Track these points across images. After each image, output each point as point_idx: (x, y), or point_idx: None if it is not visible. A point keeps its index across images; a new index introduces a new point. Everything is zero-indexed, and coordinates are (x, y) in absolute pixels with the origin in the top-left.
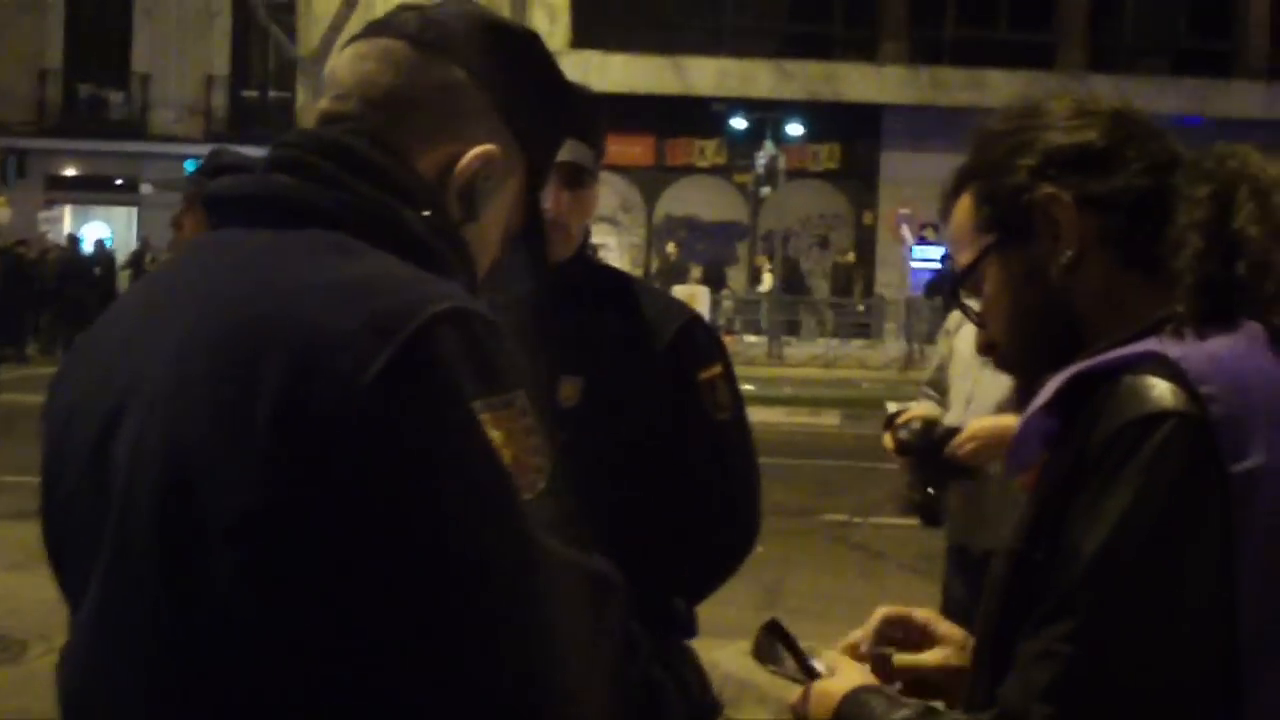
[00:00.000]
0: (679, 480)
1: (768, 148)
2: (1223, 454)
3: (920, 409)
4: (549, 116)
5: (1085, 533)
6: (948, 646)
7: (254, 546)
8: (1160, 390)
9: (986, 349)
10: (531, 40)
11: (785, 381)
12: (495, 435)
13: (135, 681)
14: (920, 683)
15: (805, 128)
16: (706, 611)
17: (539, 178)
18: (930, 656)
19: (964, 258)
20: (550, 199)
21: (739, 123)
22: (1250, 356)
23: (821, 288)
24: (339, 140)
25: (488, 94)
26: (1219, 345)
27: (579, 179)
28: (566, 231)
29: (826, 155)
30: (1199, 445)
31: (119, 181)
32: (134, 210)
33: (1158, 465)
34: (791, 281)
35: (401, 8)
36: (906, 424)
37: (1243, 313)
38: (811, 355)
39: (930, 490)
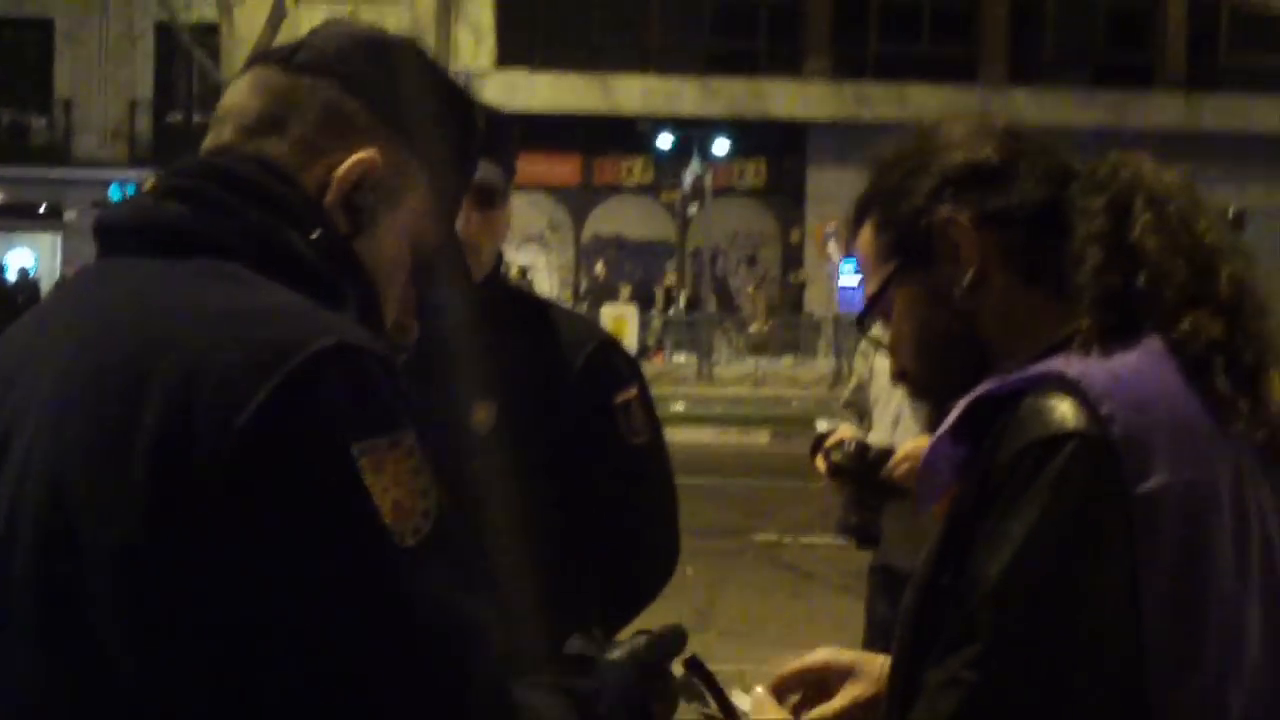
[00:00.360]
0: (594, 505)
1: (694, 166)
2: (1125, 474)
3: (848, 430)
4: (445, 126)
5: (989, 557)
6: (859, 683)
7: (130, 582)
8: (1062, 411)
9: (899, 377)
10: (414, 50)
11: (715, 400)
12: (376, 479)
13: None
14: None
15: (731, 145)
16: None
17: (447, 195)
18: (837, 701)
19: (870, 287)
20: (460, 219)
21: (665, 141)
22: (1152, 372)
23: (749, 305)
24: (226, 166)
25: (369, 107)
26: (1121, 362)
27: (489, 199)
28: (478, 253)
29: (753, 172)
30: (1101, 466)
31: (42, 208)
32: (58, 237)
33: (1060, 487)
34: (721, 300)
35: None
36: (839, 446)
37: (1145, 325)
38: (741, 373)
39: (867, 512)
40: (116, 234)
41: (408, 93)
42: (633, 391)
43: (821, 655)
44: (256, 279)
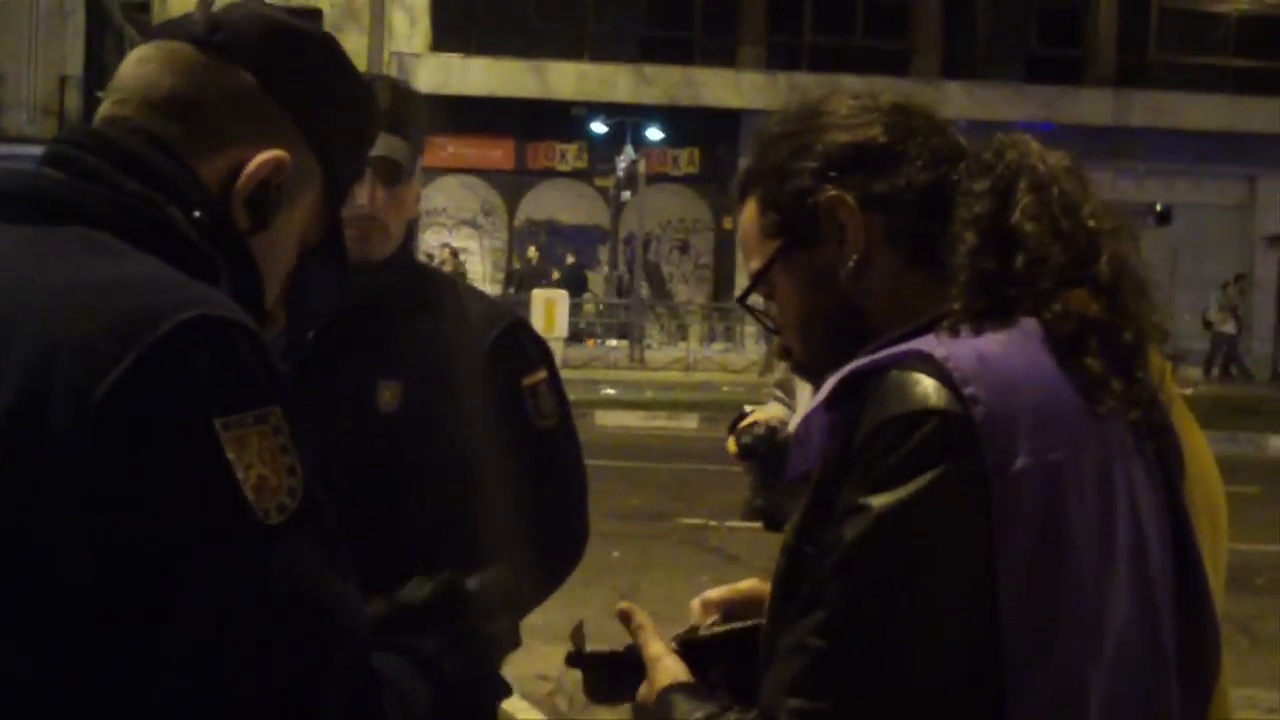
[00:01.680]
0: (501, 488)
1: (628, 152)
2: (985, 456)
3: (767, 411)
4: (347, 125)
5: (844, 526)
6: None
7: None
8: (924, 388)
9: (784, 355)
10: (328, 45)
11: (646, 385)
12: (239, 454)
13: None
14: (735, 614)
15: (665, 132)
16: (560, 617)
17: (338, 189)
18: (741, 586)
19: (753, 264)
20: (365, 195)
21: (599, 127)
22: (1022, 354)
23: (681, 291)
24: (111, 136)
25: (278, 99)
26: (990, 343)
27: (395, 175)
28: (385, 229)
29: (686, 160)
30: (961, 445)
31: None
32: None
33: (918, 462)
34: (653, 286)
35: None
36: (749, 428)
37: (1019, 308)
38: (672, 359)
39: (773, 495)
40: None
41: (318, 92)
42: (541, 374)
43: (748, 584)
44: (126, 250)
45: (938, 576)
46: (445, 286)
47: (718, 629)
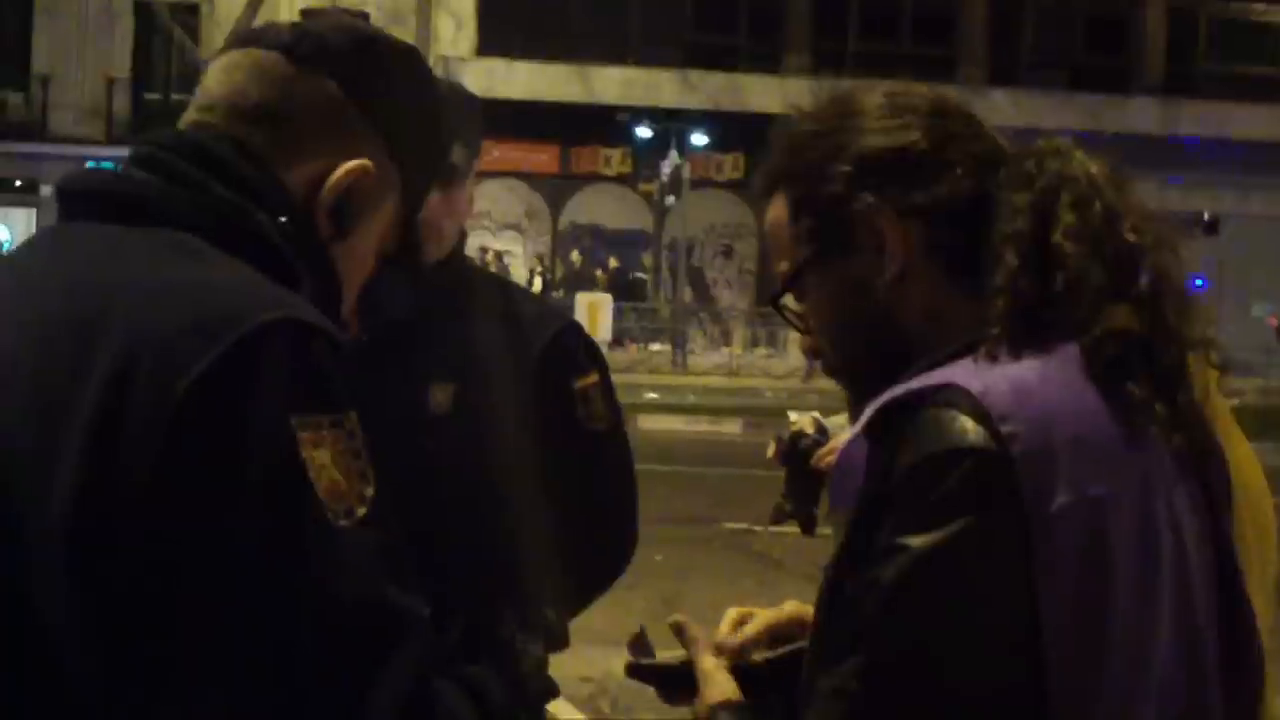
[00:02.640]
0: (552, 490)
1: (672, 157)
2: (1024, 493)
3: (807, 418)
4: (426, 135)
5: (882, 569)
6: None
7: (69, 547)
8: (962, 425)
9: (812, 354)
10: (411, 57)
11: (689, 390)
12: (314, 456)
13: None
14: (781, 637)
15: (710, 137)
16: (603, 620)
17: (415, 199)
18: (778, 612)
19: (783, 265)
20: None
21: (644, 132)
22: (1060, 383)
23: (724, 296)
24: (201, 142)
25: (363, 111)
26: (1027, 373)
27: (449, 177)
28: (439, 231)
29: (731, 165)
30: (1000, 483)
31: (18, 183)
32: (33, 212)
33: (957, 503)
34: (696, 291)
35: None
36: (797, 434)
37: (1058, 331)
38: (715, 364)
39: (798, 500)
40: (78, 199)
41: (400, 103)
42: (593, 378)
43: (791, 606)
44: (213, 253)
45: (978, 619)
46: (498, 289)
47: (769, 654)
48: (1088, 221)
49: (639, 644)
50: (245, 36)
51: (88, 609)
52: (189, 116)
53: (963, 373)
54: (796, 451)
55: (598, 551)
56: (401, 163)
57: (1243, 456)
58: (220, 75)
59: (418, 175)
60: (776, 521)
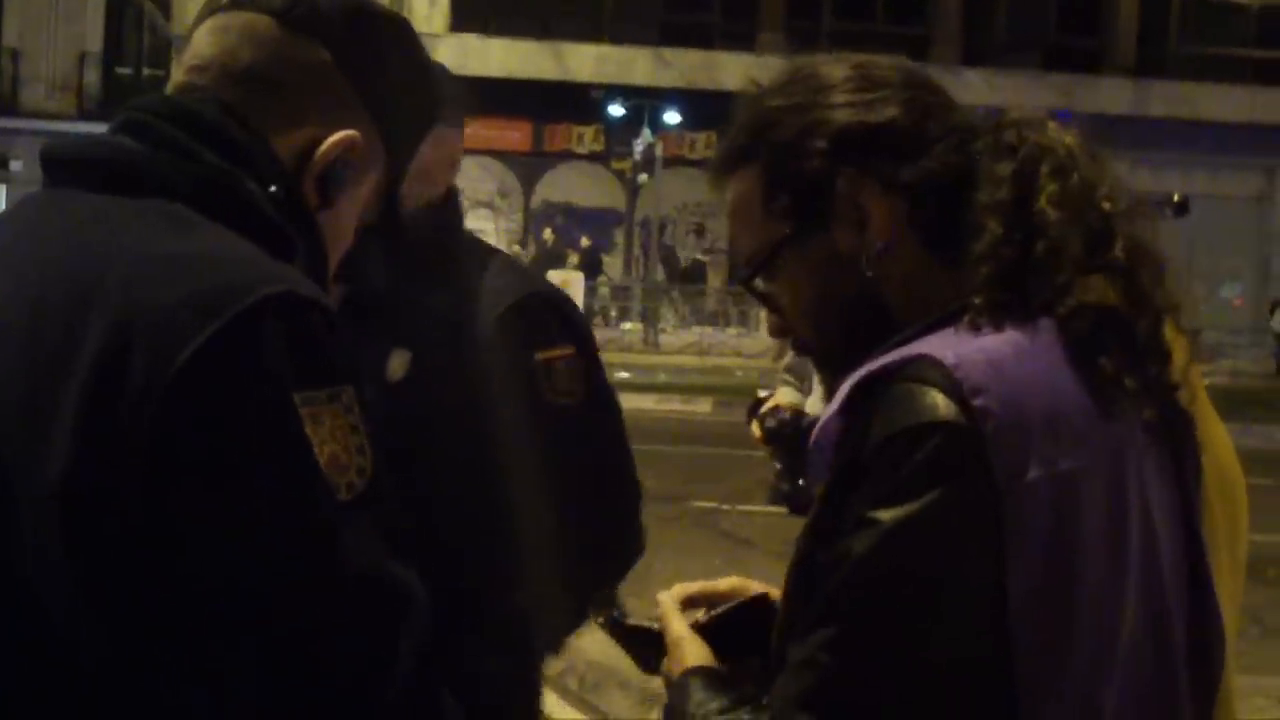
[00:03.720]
0: (515, 464)
1: (645, 135)
2: (995, 467)
3: (783, 396)
4: (414, 107)
5: (851, 542)
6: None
7: (62, 517)
8: (932, 399)
9: (781, 332)
10: (402, 28)
11: (660, 368)
12: (315, 430)
13: None
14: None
15: (683, 116)
16: None
17: (398, 171)
18: (722, 583)
19: (751, 242)
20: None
21: (617, 110)
22: (1033, 357)
23: (697, 275)
24: (190, 107)
25: (352, 80)
26: (1003, 345)
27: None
28: (428, 176)
29: (704, 143)
30: (970, 458)
31: None
32: (3, 188)
33: (927, 476)
34: (668, 269)
35: None
36: (773, 412)
37: (1037, 300)
38: (687, 342)
39: (799, 480)
40: (64, 165)
41: (390, 74)
42: (560, 350)
43: (729, 582)
44: (206, 223)
45: (947, 591)
46: (479, 257)
47: (720, 610)
48: (1069, 190)
49: (610, 604)
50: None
51: (82, 581)
52: (178, 77)
53: (937, 344)
54: (799, 429)
55: (581, 526)
56: (387, 134)
57: (1216, 436)
58: (211, 36)
59: (402, 147)
60: (774, 502)
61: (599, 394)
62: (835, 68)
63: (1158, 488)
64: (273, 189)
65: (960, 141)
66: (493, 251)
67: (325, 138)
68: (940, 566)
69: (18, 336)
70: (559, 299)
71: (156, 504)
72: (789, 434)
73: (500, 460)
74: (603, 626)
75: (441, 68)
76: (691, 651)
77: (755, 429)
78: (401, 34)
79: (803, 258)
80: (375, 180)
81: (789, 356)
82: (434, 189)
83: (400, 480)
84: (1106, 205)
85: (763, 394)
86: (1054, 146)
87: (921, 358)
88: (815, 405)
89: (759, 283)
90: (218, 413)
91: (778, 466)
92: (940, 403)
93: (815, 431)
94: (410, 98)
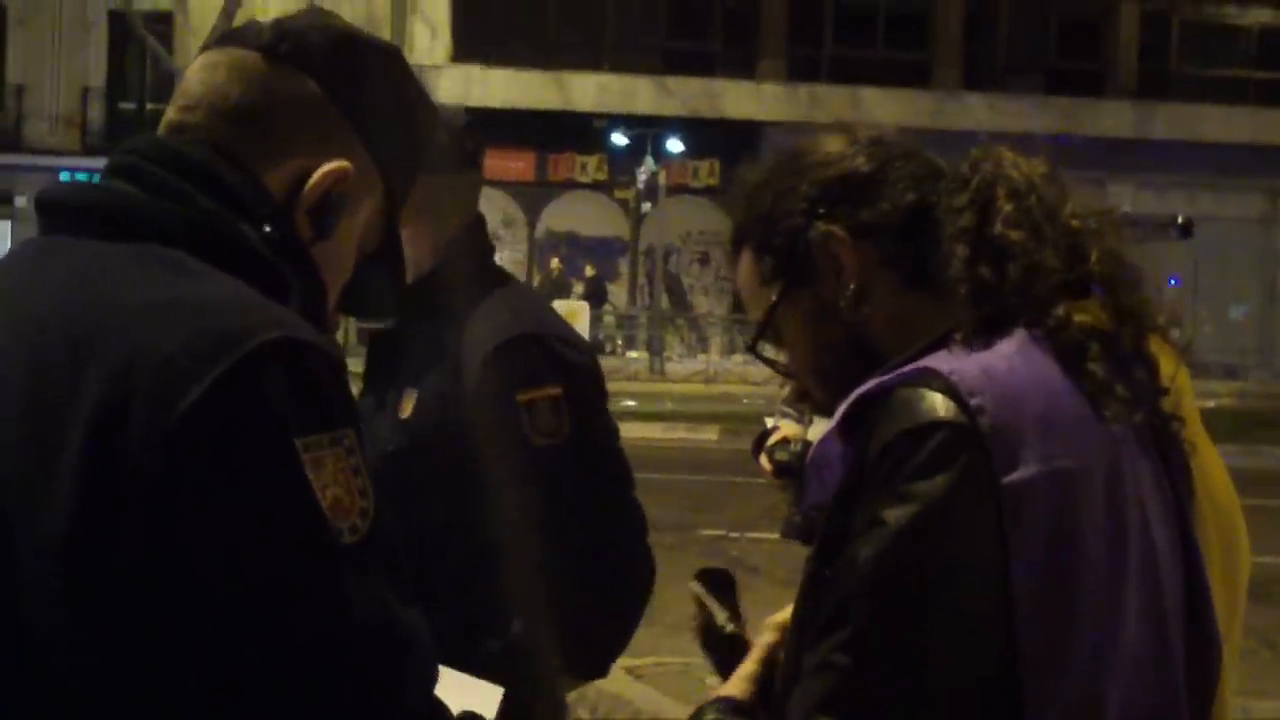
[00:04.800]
0: (500, 502)
1: (648, 164)
2: (995, 464)
3: (787, 429)
4: (408, 135)
5: (861, 543)
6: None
7: (63, 567)
8: (931, 401)
9: (801, 397)
10: (392, 55)
11: (666, 397)
12: (317, 475)
13: None
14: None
15: (685, 144)
16: None
17: (396, 199)
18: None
19: (756, 313)
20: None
21: (620, 139)
22: (1026, 365)
23: (701, 303)
24: (181, 150)
25: (343, 110)
26: (994, 357)
27: (461, 166)
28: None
29: (706, 171)
30: (971, 455)
31: None
32: (8, 224)
33: (930, 474)
34: (673, 298)
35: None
36: (782, 445)
37: (1021, 316)
38: (693, 371)
39: (807, 507)
40: (59, 212)
41: (382, 104)
42: (548, 390)
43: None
44: (202, 268)
45: (957, 586)
46: (486, 291)
47: None
48: (1026, 210)
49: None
50: (226, 35)
51: (84, 631)
52: (170, 116)
53: (932, 359)
54: (796, 464)
55: (587, 568)
56: (382, 162)
57: (1209, 462)
58: (200, 74)
59: (399, 175)
60: (787, 535)
61: (586, 431)
62: (814, 142)
63: (1152, 493)
64: (267, 229)
65: (915, 180)
66: (502, 284)
67: (315, 169)
68: (947, 563)
69: (17, 387)
70: (551, 337)
71: (159, 552)
72: (800, 465)
73: (487, 500)
74: (700, 577)
75: (458, 112)
76: (731, 684)
77: (765, 462)
78: (392, 62)
79: (794, 315)
80: (373, 209)
81: (789, 389)
82: (444, 231)
83: (406, 515)
84: (1074, 223)
85: (770, 424)
86: (1008, 173)
87: (918, 369)
88: (817, 434)
89: (769, 350)
90: (219, 460)
91: (790, 499)
92: (939, 403)
93: (813, 450)
94: (404, 125)
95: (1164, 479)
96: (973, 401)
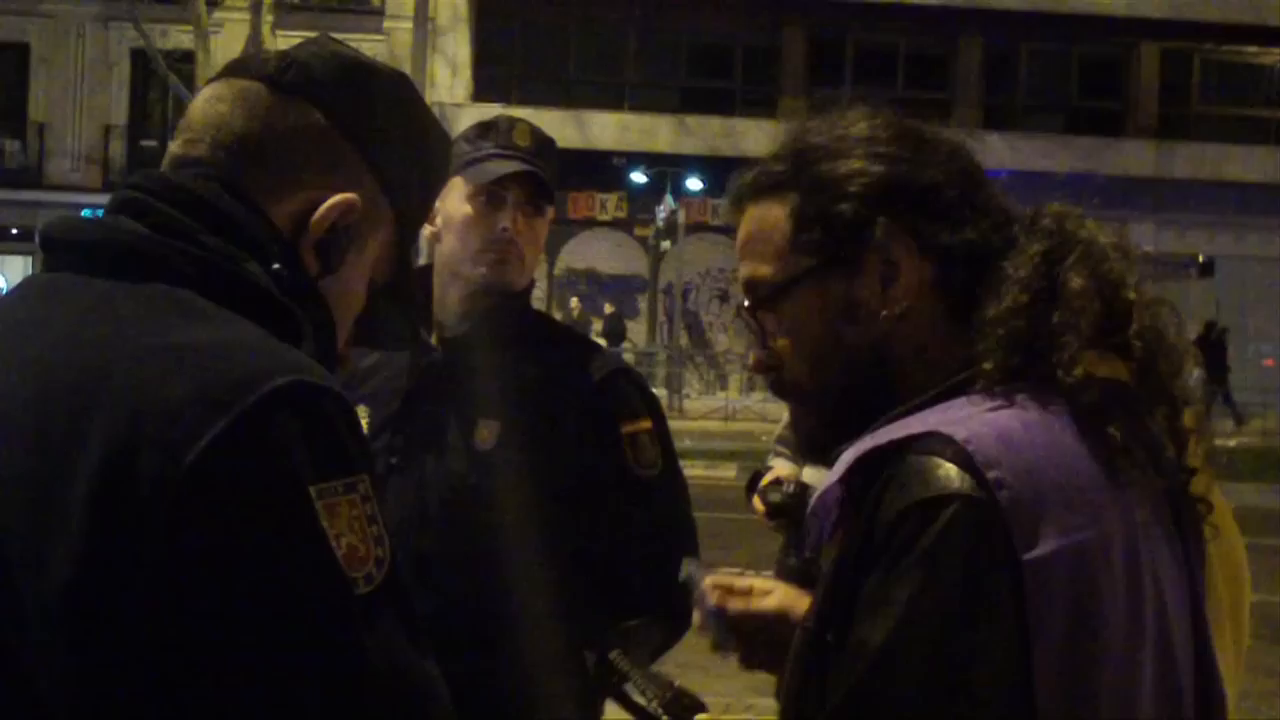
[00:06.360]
0: (599, 535)
1: (668, 201)
2: (1014, 540)
3: (781, 468)
4: (418, 163)
5: (871, 624)
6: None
7: (70, 619)
8: (946, 471)
9: (761, 368)
10: (400, 83)
11: (684, 434)
12: (332, 522)
13: None
14: (760, 637)
15: (705, 182)
16: None
17: (408, 228)
18: (770, 601)
19: (767, 269)
20: (509, 218)
21: (640, 177)
22: (1044, 428)
23: (720, 341)
24: (187, 186)
25: (350, 140)
26: (1011, 420)
27: (540, 197)
28: (523, 257)
29: (726, 209)
30: (986, 530)
31: (14, 231)
32: (30, 260)
33: (943, 551)
34: (692, 335)
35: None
36: (775, 485)
37: (1045, 369)
38: (711, 408)
39: (807, 553)
40: (65, 248)
41: (390, 133)
42: (644, 423)
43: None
44: (211, 309)
45: (977, 671)
46: (555, 328)
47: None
48: (1096, 273)
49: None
50: (231, 66)
51: (89, 683)
52: (174, 150)
53: (945, 419)
54: (804, 503)
55: (649, 602)
56: (393, 193)
57: (1225, 525)
58: (204, 106)
59: (410, 204)
60: (781, 576)
61: (673, 464)
62: (882, 119)
63: (1166, 559)
64: (275, 266)
65: (1006, 220)
66: (563, 323)
67: (322, 201)
68: (964, 643)
69: (25, 433)
70: (638, 374)
71: (168, 604)
72: (794, 506)
73: (585, 530)
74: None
75: (552, 140)
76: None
77: (757, 504)
78: (399, 89)
79: (818, 296)
80: (384, 240)
81: (781, 427)
82: (528, 274)
83: (481, 543)
84: (1131, 295)
85: (770, 463)
86: (1089, 239)
87: (931, 433)
88: (811, 475)
89: (762, 313)
90: (230, 510)
91: (784, 540)
92: (954, 474)
93: (814, 500)
94: (413, 154)
95: (1178, 549)
96: (990, 475)
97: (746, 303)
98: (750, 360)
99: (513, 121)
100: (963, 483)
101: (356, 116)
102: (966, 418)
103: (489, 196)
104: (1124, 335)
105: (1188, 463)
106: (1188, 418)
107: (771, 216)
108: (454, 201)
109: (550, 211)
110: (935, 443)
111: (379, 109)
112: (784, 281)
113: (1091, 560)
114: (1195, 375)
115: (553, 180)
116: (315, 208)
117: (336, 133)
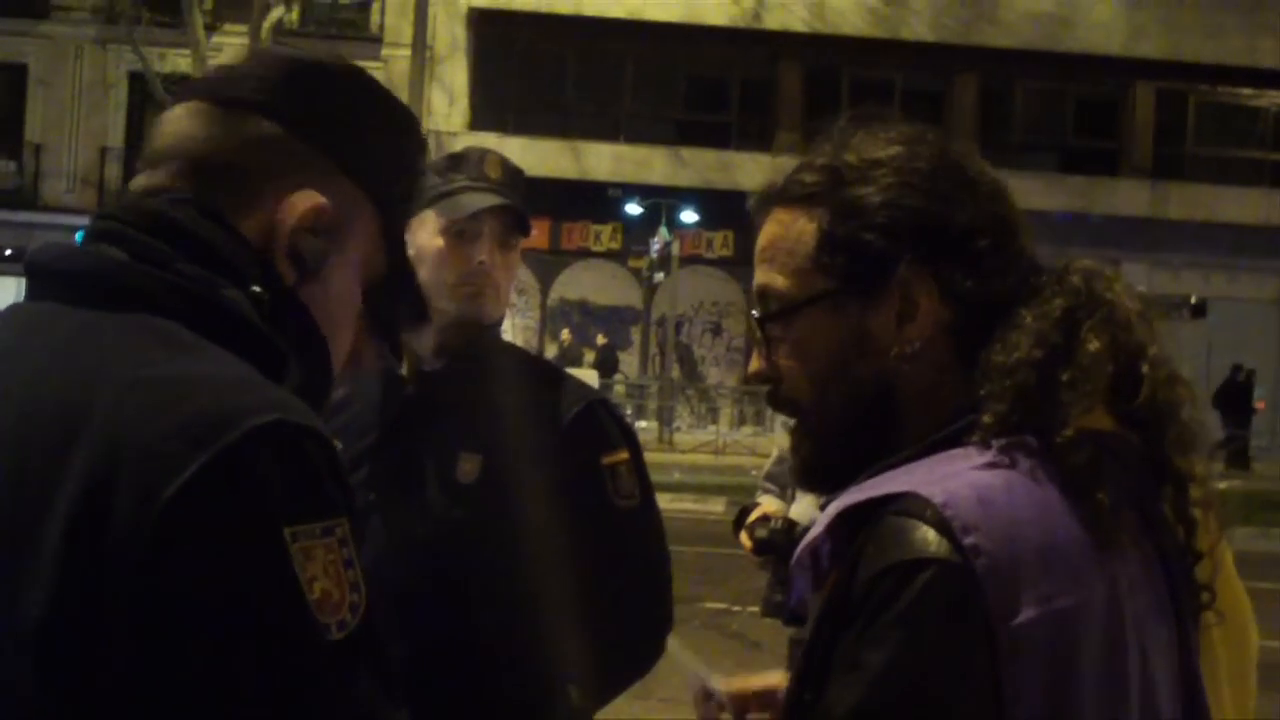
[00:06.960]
0: (581, 566)
1: (662, 234)
2: (991, 608)
3: (768, 505)
4: (390, 151)
5: (843, 687)
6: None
7: (45, 658)
8: (923, 535)
9: (761, 378)
10: (352, 75)
11: (674, 467)
12: (306, 566)
13: None
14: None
15: (699, 215)
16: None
17: (395, 216)
18: (757, 680)
19: (783, 282)
20: (485, 252)
21: (634, 208)
22: (1026, 491)
23: (712, 374)
24: (163, 213)
25: (308, 141)
26: (994, 480)
27: (513, 231)
28: (498, 290)
29: (720, 242)
30: (962, 596)
31: (8, 252)
32: (23, 281)
33: (917, 616)
34: (684, 368)
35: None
36: (762, 521)
37: (1039, 423)
38: (702, 441)
39: (792, 605)
40: (48, 277)
41: (353, 124)
42: (622, 454)
43: (776, 678)
44: (193, 341)
45: None
46: (530, 361)
47: None
48: (1115, 339)
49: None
50: (182, 89)
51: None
52: (138, 181)
53: (927, 478)
54: (791, 539)
55: (626, 633)
56: (367, 184)
57: (1219, 553)
58: (162, 129)
59: (390, 192)
60: (767, 613)
61: (650, 496)
62: (926, 146)
63: (1154, 623)
64: (255, 289)
65: (1033, 271)
66: (537, 356)
67: (288, 210)
68: (933, 715)
69: (2, 465)
70: (613, 404)
71: (138, 645)
72: (781, 543)
73: (566, 561)
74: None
75: (520, 171)
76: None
77: (745, 540)
78: (354, 82)
79: (831, 321)
80: (369, 234)
81: (769, 463)
82: (502, 307)
83: (465, 576)
84: (1145, 368)
85: (758, 499)
86: (1116, 301)
87: (909, 494)
88: (799, 512)
89: (770, 325)
90: (202, 550)
91: (771, 577)
92: (931, 539)
93: (798, 552)
94: (382, 142)
95: (1169, 613)
96: (967, 541)
97: (756, 312)
98: (750, 368)
99: (483, 153)
100: (939, 547)
101: (310, 118)
102: (950, 475)
103: (463, 230)
104: (1130, 403)
105: (1195, 547)
106: (1195, 492)
107: (797, 228)
108: (426, 235)
109: (521, 242)
110: (914, 504)
111: (335, 106)
112: (800, 300)
113: (1071, 627)
114: (1210, 446)
115: (524, 211)
116: (284, 218)
117: (293, 138)
